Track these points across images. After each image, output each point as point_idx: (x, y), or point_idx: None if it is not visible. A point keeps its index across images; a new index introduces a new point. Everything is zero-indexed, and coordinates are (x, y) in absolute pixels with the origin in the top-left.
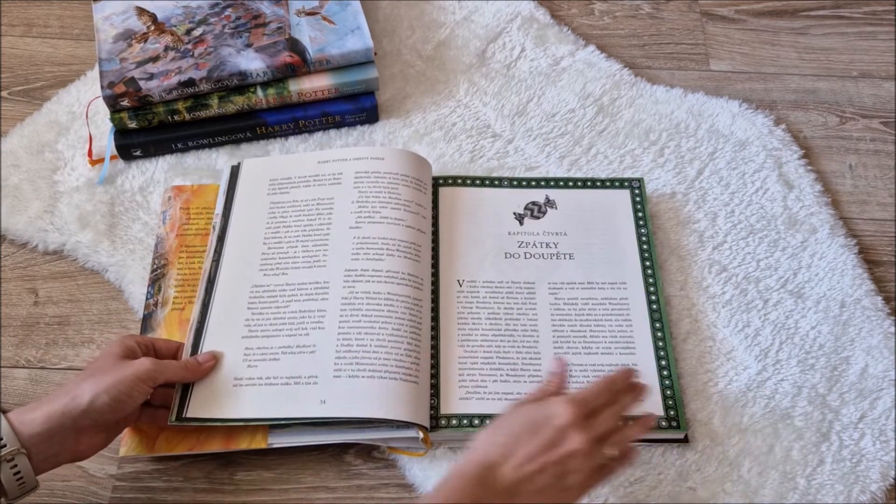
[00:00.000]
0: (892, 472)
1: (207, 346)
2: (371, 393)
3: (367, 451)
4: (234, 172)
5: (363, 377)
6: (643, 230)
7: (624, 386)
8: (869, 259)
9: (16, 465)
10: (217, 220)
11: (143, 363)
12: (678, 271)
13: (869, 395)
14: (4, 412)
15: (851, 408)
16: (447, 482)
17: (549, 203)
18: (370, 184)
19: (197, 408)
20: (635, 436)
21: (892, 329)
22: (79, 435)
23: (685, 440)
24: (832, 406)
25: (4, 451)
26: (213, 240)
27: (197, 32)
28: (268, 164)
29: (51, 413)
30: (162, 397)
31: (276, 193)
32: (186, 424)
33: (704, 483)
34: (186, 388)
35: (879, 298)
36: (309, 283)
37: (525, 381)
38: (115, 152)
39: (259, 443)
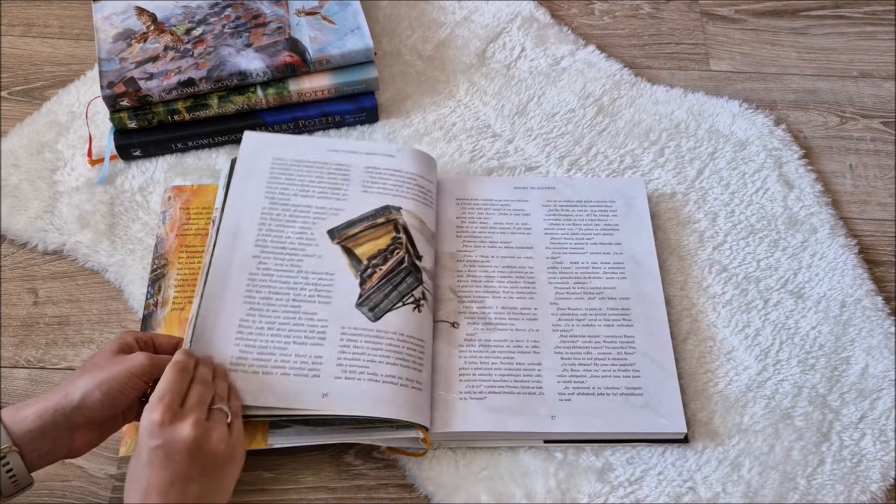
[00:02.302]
0: (893, 472)
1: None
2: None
3: (367, 451)
4: (234, 166)
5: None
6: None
7: (193, 361)
8: (869, 259)
9: (8, 463)
10: (216, 214)
11: (138, 358)
12: (678, 271)
13: (869, 395)
14: None
15: (851, 408)
16: None
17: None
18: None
19: None
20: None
21: (892, 329)
22: (72, 432)
23: (685, 440)
24: (832, 406)
25: None
26: (212, 234)
27: (197, 32)
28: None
29: (43, 410)
30: None
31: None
32: None
33: (704, 483)
34: None
35: (879, 298)
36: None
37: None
38: (114, 152)
39: (259, 443)
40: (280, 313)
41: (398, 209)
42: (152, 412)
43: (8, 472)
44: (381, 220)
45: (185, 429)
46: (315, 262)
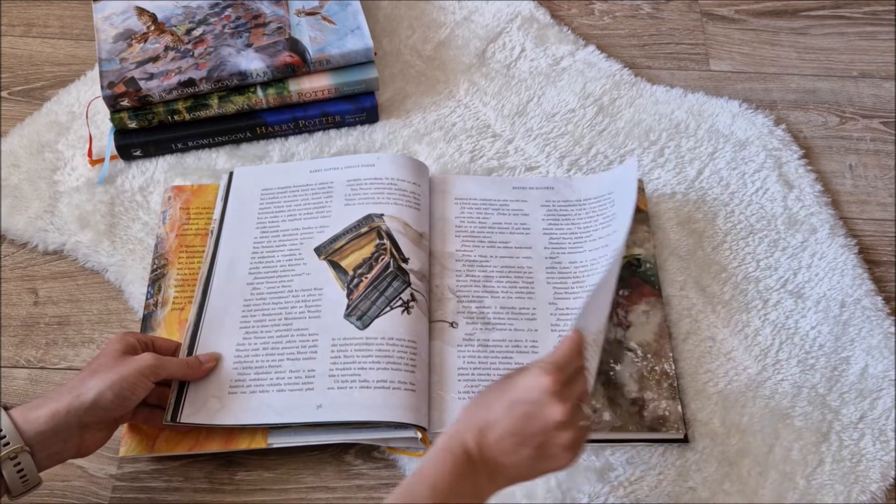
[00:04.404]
0: (892, 472)
1: (201, 350)
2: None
3: (367, 451)
4: (231, 179)
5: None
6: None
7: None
8: (869, 259)
9: (19, 463)
10: (214, 226)
11: (146, 358)
12: (678, 271)
13: (869, 395)
14: (7, 408)
15: (851, 408)
16: (431, 459)
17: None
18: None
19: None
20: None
21: (892, 329)
22: (83, 431)
23: (685, 440)
24: (832, 406)
25: (8, 448)
26: (210, 244)
27: (197, 32)
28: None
29: (56, 411)
30: (157, 396)
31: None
32: (181, 425)
33: (704, 483)
34: (181, 393)
35: (879, 298)
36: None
37: None
38: (115, 152)
39: (259, 443)
40: (273, 333)
41: (380, 216)
42: (543, 375)
43: (19, 471)
44: (365, 229)
45: (556, 410)
46: (304, 279)
